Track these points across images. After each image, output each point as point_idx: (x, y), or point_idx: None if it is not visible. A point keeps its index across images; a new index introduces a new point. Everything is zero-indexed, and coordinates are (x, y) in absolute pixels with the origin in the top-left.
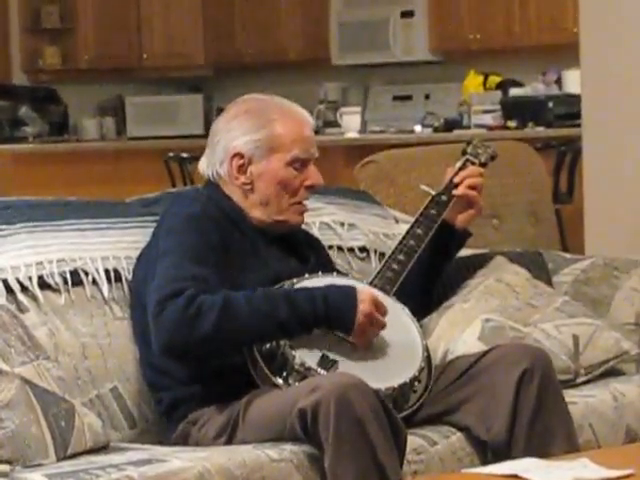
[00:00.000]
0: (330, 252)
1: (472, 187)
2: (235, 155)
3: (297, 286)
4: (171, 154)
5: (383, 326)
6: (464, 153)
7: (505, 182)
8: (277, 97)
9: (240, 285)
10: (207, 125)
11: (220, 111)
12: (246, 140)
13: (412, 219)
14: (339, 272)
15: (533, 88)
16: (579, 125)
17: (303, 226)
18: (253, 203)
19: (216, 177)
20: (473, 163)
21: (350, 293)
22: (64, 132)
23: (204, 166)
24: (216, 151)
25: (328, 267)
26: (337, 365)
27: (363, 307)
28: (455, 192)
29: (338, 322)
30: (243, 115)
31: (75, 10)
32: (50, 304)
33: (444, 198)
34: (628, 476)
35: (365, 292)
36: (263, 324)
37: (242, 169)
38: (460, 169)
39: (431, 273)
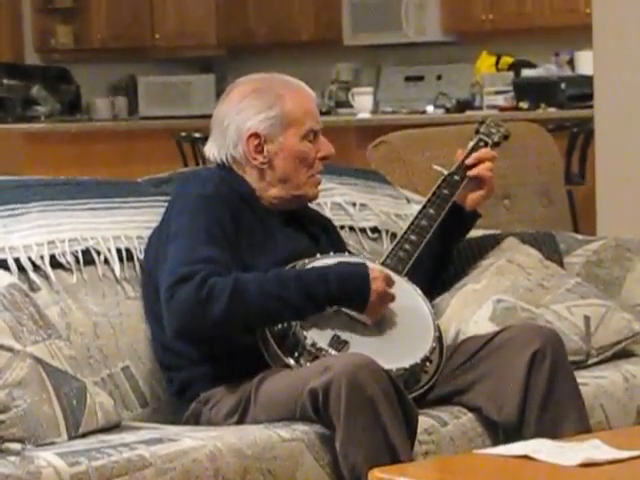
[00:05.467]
0: (342, 232)
1: (487, 169)
2: (251, 136)
3: (308, 266)
4: (183, 134)
5: (393, 299)
6: (477, 132)
7: (517, 163)
8: (276, 74)
9: (253, 266)
10: None
11: None
12: (260, 119)
13: (424, 199)
14: (350, 252)
15: (545, 69)
16: (591, 106)
17: (315, 207)
18: (270, 181)
19: (230, 160)
20: (486, 143)
21: (362, 272)
22: (76, 112)
23: (215, 151)
24: (227, 135)
25: (340, 247)
26: (348, 345)
27: (376, 286)
28: (470, 173)
29: (352, 302)
30: (251, 95)
31: None
32: (62, 283)
33: (456, 178)
34: (639, 457)
35: (376, 270)
36: (275, 306)
37: (258, 149)
38: (472, 149)
39: (439, 255)
